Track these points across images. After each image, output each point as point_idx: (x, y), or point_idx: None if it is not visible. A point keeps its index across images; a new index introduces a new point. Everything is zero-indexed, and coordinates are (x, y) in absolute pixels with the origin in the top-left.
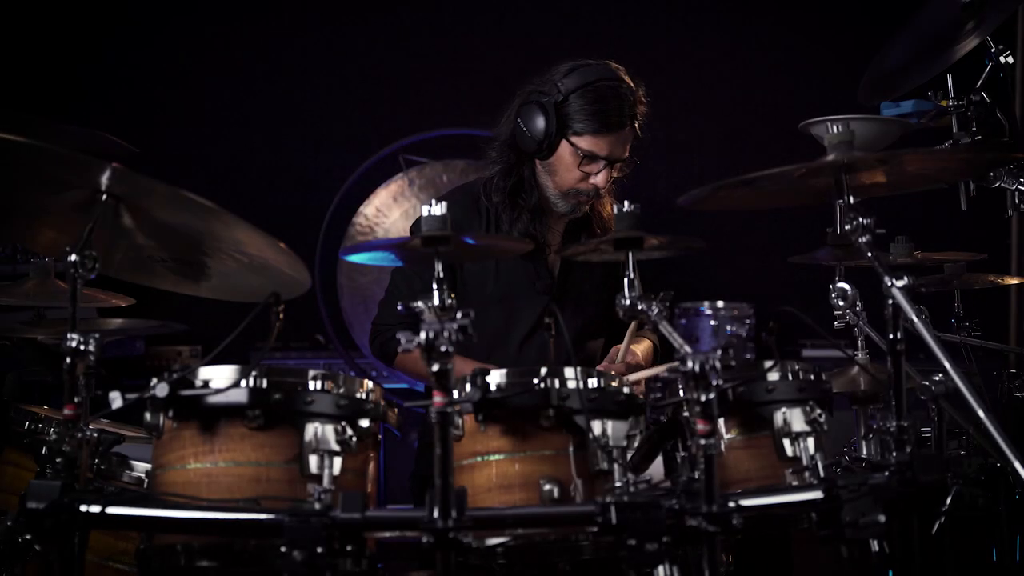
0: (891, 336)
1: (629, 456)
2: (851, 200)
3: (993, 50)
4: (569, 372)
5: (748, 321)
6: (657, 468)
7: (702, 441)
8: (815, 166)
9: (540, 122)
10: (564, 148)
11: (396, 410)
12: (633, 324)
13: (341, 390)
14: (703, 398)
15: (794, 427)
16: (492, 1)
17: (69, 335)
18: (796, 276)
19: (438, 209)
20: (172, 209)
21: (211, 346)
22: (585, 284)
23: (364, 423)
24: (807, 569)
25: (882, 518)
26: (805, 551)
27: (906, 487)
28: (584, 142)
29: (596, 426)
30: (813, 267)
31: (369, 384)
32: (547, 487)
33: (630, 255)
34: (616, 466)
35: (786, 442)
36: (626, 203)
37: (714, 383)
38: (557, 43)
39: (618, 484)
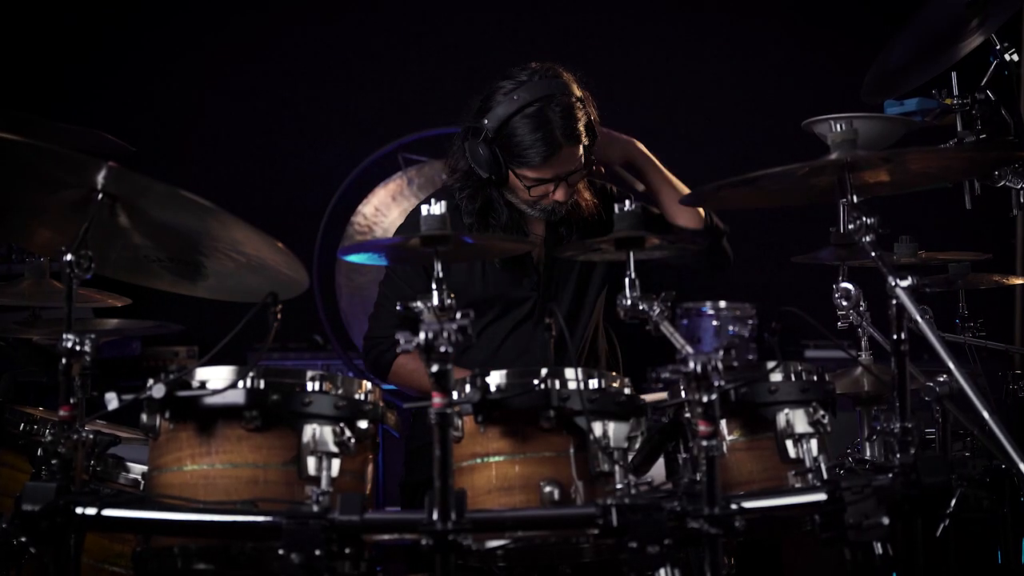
0: (895, 336)
1: (630, 458)
2: (854, 199)
3: (998, 47)
4: (570, 373)
5: (750, 321)
6: (659, 470)
7: (704, 443)
8: (818, 165)
9: (481, 158)
10: (512, 177)
11: (395, 412)
12: None
13: (339, 391)
14: (705, 399)
15: (797, 428)
16: None
17: (65, 335)
18: (799, 276)
19: (437, 208)
20: (169, 208)
21: (208, 347)
22: (570, 280)
23: (362, 424)
24: (797, 573)
25: (886, 520)
26: (795, 555)
27: (910, 489)
28: (526, 172)
29: (597, 427)
30: (816, 267)
31: (368, 385)
32: (547, 489)
33: (630, 255)
34: (617, 468)
35: (789, 444)
36: (627, 203)
37: (716, 384)
38: (557, 42)
39: (619, 486)
